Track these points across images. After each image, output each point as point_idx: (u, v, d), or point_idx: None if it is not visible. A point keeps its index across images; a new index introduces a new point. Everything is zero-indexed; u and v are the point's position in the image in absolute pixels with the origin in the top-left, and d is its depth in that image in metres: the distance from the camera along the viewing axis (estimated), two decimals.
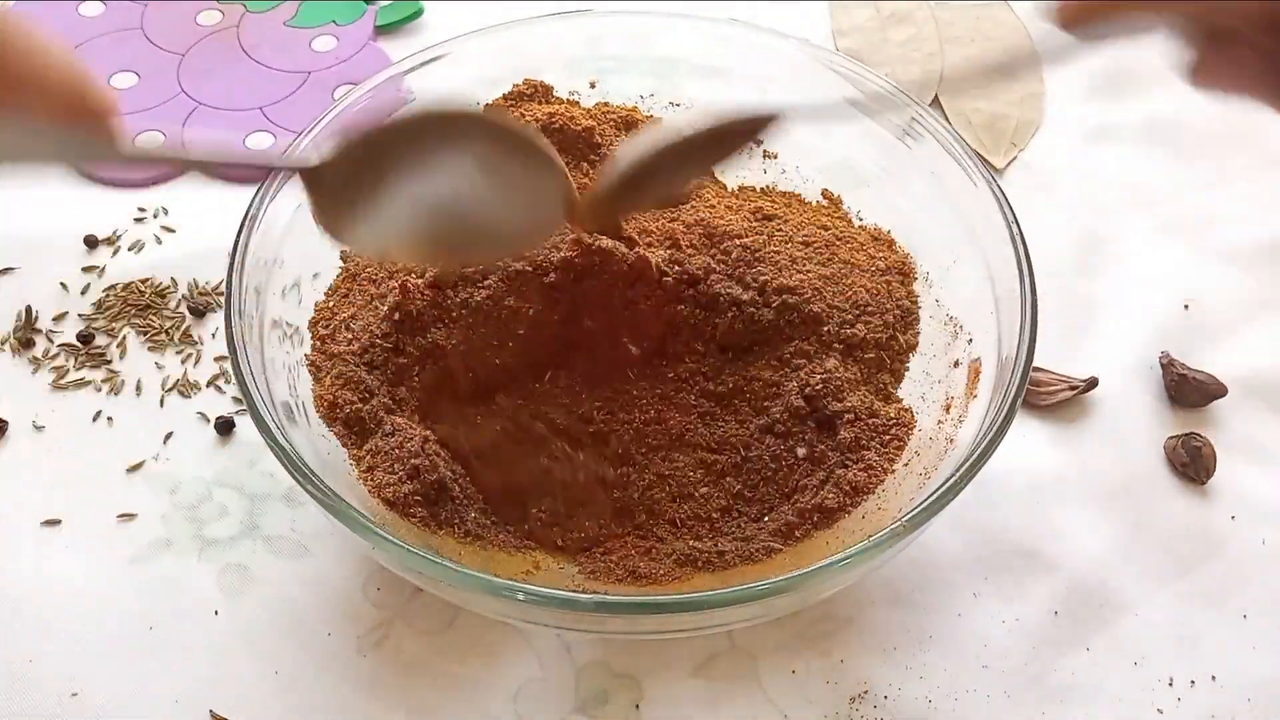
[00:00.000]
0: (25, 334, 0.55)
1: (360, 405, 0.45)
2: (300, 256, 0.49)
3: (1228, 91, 0.35)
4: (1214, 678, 0.45)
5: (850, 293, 0.49)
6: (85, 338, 0.54)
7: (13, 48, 0.29)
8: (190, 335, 0.55)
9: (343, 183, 0.37)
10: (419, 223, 0.39)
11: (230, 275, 0.44)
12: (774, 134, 0.56)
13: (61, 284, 0.57)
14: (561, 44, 0.55)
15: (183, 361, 0.54)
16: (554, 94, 0.54)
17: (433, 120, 0.38)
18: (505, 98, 0.54)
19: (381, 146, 0.38)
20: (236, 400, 0.53)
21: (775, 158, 0.56)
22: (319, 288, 0.50)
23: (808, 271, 0.49)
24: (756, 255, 0.49)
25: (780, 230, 0.51)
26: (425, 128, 0.38)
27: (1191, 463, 0.50)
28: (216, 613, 0.46)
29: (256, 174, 0.53)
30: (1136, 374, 0.54)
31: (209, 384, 0.53)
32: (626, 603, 0.39)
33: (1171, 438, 0.51)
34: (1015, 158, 0.63)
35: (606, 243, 0.47)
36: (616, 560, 0.45)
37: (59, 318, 0.56)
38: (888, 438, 0.46)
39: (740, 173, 0.56)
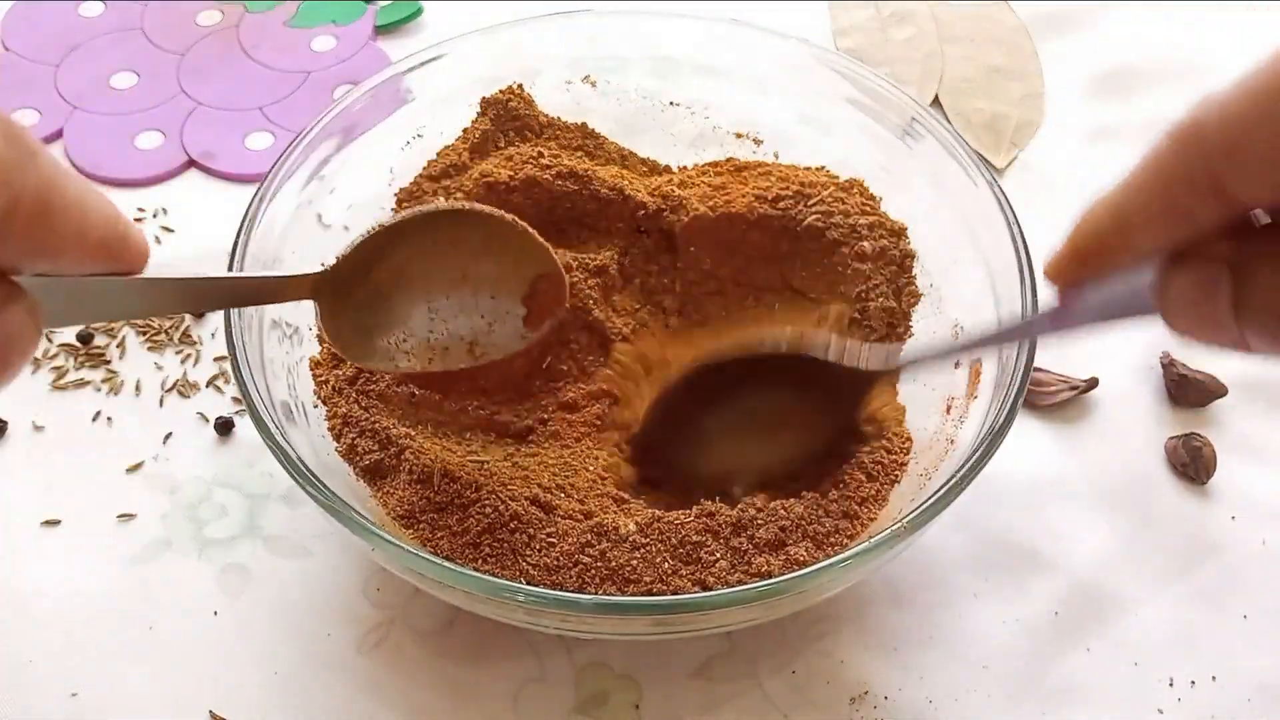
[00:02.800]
0: None
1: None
2: (300, 257, 0.49)
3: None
4: (1214, 678, 0.45)
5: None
6: (85, 338, 0.54)
7: (60, 198, 0.27)
8: (190, 335, 0.55)
9: (347, 292, 0.39)
10: (423, 337, 0.42)
11: None
12: (773, 133, 0.56)
13: None
14: (561, 43, 0.55)
15: (182, 362, 0.54)
16: (535, 105, 0.53)
17: (425, 221, 0.40)
18: (483, 103, 0.53)
19: (381, 252, 0.39)
20: (236, 400, 0.53)
21: (777, 157, 0.56)
22: None
23: None
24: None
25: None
26: (420, 230, 0.40)
27: (1191, 463, 0.50)
28: (216, 613, 0.46)
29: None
30: (1136, 374, 0.54)
31: (208, 384, 0.53)
32: (626, 603, 0.39)
33: (1171, 438, 0.51)
34: (1015, 158, 0.63)
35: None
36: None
37: None
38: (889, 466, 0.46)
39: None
